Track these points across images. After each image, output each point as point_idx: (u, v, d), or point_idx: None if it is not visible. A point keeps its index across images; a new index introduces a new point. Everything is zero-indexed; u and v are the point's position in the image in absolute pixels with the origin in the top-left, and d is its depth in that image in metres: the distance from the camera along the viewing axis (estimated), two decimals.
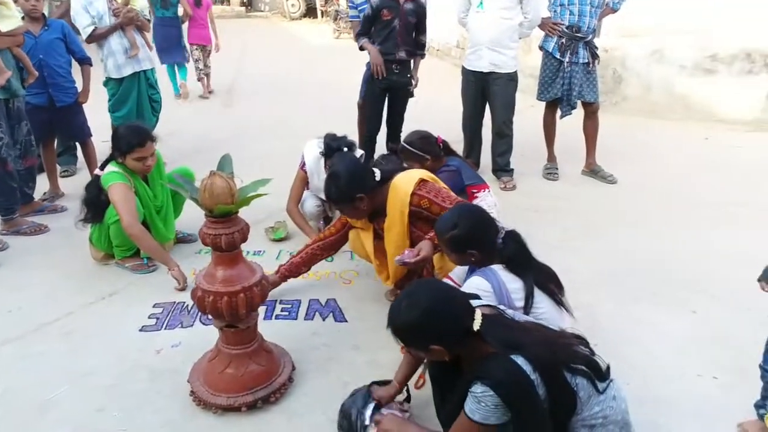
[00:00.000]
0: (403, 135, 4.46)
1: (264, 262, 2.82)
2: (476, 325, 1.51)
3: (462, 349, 1.57)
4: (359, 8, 4.44)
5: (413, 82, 4.40)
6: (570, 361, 1.50)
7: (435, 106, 5.96)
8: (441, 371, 1.78)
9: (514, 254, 1.92)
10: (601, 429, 1.51)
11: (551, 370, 1.46)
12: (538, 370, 1.43)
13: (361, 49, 4.31)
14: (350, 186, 2.43)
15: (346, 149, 3.26)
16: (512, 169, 4.45)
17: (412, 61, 4.41)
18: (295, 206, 3.50)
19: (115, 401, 2.16)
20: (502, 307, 1.69)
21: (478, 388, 1.44)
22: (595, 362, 1.54)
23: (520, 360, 1.44)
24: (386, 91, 4.38)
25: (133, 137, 3.01)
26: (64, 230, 3.52)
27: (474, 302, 1.64)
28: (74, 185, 4.15)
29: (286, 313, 2.73)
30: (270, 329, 2.48)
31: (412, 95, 4.49)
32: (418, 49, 4.39)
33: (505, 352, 1.46)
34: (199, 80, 7.61)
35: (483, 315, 1.54)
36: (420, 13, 4.24)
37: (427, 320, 1.52)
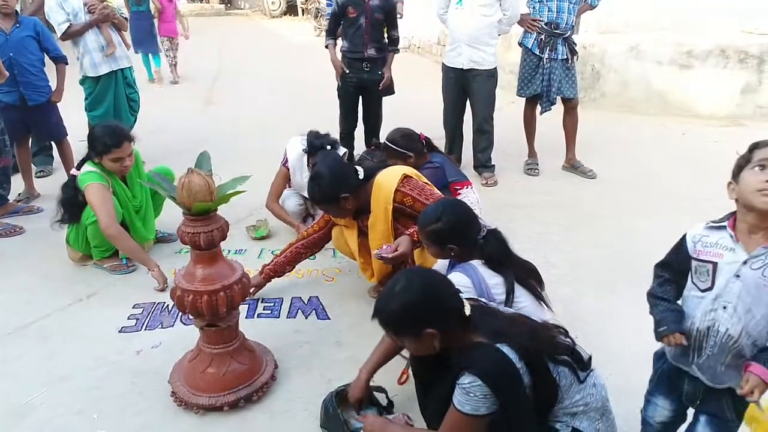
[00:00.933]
0: (382, 132, 4.49)
1: (245, 261, 2.81)
2: (467, 310, 1.51)
3: (451, 337, 1.53)
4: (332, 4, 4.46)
5: (384, 79, 4.35)
6: (553, 352, 1.51)
7: (415, 103, 5.97)
8: (424, 365, 1.76)
9: (495, 252, 1.93)
10: (583, 416, 1.53)
11: (536, 359, 1.46)
12: (523, 359, 1.44)
13: (326, 47, 4.35)
14: (334, 186, 2.43)
15: (329, 147, 3.25)
16: (493, 165, 4.47)
17: (385, 57, 4.39)
18: (274, 202, 3.49)
19: (94, 404, 2.13)
20: (483, 300, 1.70)
21: (465, 379, 1.43)
22: (577, 352, 1.56)
23: (506, 349, 1.44)
24: (359, 90, 4.38)
25: (109, 138, 2.95)
26: (40, 231, 3.45)
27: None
28: (50, 186, 4.08)
29: (269, 312, 2.72)
30: (252, 328, 2.47)
31: (392, 92, 4.48)
32: (390, 45, 4.38)
33: (492, 340, 1.46)
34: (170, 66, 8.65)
35: (471, 305, 1.54)
36: (388, 9, 4.23)
37: (424, 300, 1.49)
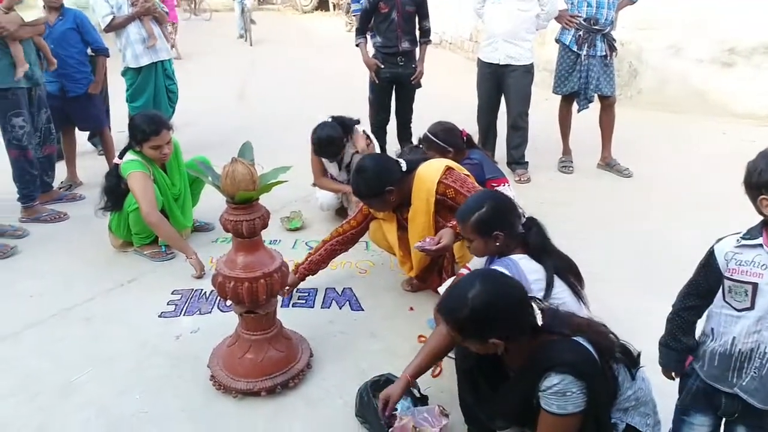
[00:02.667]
0: (415, 127, 4.50)
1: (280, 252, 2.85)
2: (539, 320, 1.46)
3: (518, 343, 1.50)
4: (360, 0, 4.45)
5: (417, 73, 4.36)
6: (614, 350, 1.50)
7: (448, 99, 5.95)
8: (475, 363, 1.67)
9: (535, 238, 1.92)
10: (634, 411, 1.53)
11: (606, 358, 1.46)
12: (598, 353, 1.43)
13: (358, 45, 4.37)
14: (379, 180, 2.42)
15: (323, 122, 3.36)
16: (527, 162, 4.44)
17: (418, 49, 4.39)
18: (320, 176, 3.58)
19: (136, 385, 2.20)
20: (538, 298, 1.67)
21: (554, 380, 1.39)
22: (629, 350, 1.55)
23: (583, 341, 1.43)
24: (392, 84, 4.39)
25: (148, 126, 3.03)
26: (83, 218, 3.56)
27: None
28: (91, 174, 4.20)
29: (303, 301, 2.76)
30: (287, 317, 2.50)
31: (419, 86, 4.48)
32: (422, 36, 4.38)
33: (569, 335, 1.45)
34: (172, 47, 9.62)
35: (540, 309, 1.49)
36: (419, 1, 4.23)
37: (494, 313, 1.44)
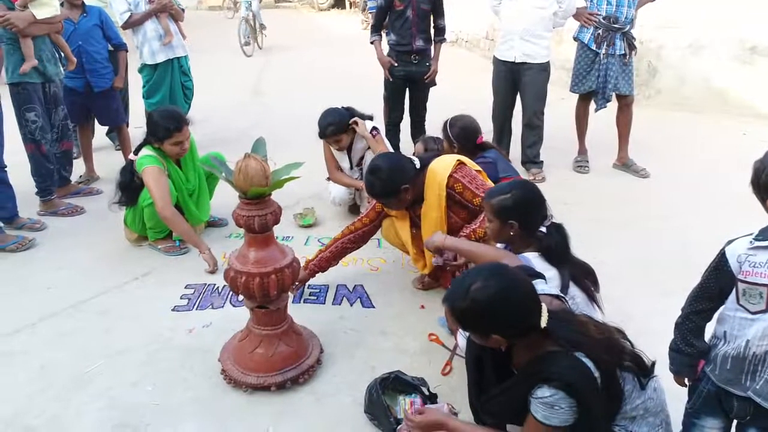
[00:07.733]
0: (428, 126, 4.49)
1: (292, 248, 2.86)
2: (543, 322, 1.43)
3: (522, 342, 1.49)
4: None
5: (431, 71, 4.33)
6: (622, 360, 1.48)
7: (463, 97, 5.91)
8: (481, 358, 1.66)
9: (555, 245, 1.90)
10: (641, 420, 1.50)
11: (609, 370, 1.43)
12: (599, 370, 1.40)
13: (372, 43, 4.36)
14: (393, 179, 2.39)
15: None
16: (542, 161, 4.40)
17: (433, 47, 4.37)
18: (334, 171, 3.59)
19: (148, 377, 2.22)
20: (561, 294, 1.65)
21: (546, 392, 1.38)
22: (641, 359, 1.52)
23: (584, 358, 1.40)
24: (406, 82, 4.38)
25: (171, 123, 3.05)
26: (100, 212, 3.61)
27: (538, 288, 1.54)
28: (109, 169, 4.24)
29: (314, 298, 2.76)
30: (298, 313, 2.50)
31: (434, 84, 4.46)
32: (436, 35, 4.36)
33: (569, 349, 1.41)
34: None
35: (549, 311, 1.46)
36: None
37: (493, 310, 1.41)
